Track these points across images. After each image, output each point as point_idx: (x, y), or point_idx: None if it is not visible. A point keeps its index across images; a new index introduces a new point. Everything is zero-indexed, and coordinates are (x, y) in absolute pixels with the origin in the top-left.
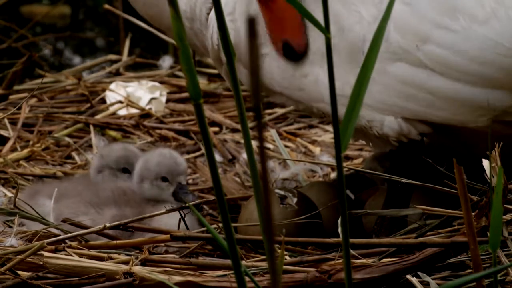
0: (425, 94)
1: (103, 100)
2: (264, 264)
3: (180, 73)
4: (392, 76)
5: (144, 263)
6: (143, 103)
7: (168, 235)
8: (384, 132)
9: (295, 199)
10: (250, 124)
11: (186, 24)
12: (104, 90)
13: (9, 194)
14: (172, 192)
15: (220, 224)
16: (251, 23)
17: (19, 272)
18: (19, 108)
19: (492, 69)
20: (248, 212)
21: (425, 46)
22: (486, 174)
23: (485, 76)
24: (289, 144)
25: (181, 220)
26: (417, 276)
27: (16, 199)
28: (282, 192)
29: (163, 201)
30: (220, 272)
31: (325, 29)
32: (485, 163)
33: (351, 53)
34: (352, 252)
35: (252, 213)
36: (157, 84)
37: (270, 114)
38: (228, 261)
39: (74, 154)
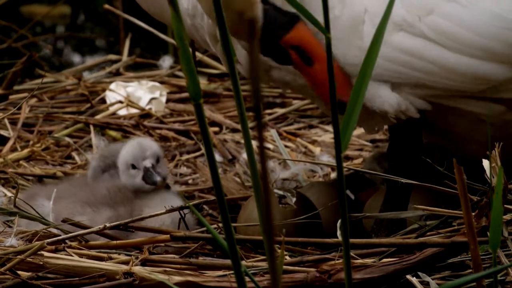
0: (426, 63)
1: (103, 100)
2: (264, 264)
3: (180, 73)
4: (393, 46)
5: (144, 263)
6: (143, 103)
7: (168, 235)
8: (384, 108)
9: (294, 199)
10: (250, 124)
11: (188, 21)
12: (104, 90)
13: (9, 194)
14: (142, 177)
15: (220, 224)
16: (251, 23)
17: (19, 272)
18: (19, 108)
19: (497, 43)
20: (247, 212)
21: (429, 17)
22: (486, 174)
23: (489, 49)
24: (289, 144)
25: (183, 221)
26: (417, 276)
27: (16, 199)
28: (280, 192)
29: (141, 189)
30: (220, 272)
31: (325, 29)
32: (485, 163)
33: (353, 24)
34: (352, 252)
35: (251, 213)
36: (157, 84)
37: (270, 114)
38: (228, 261)
39: (74, 154)
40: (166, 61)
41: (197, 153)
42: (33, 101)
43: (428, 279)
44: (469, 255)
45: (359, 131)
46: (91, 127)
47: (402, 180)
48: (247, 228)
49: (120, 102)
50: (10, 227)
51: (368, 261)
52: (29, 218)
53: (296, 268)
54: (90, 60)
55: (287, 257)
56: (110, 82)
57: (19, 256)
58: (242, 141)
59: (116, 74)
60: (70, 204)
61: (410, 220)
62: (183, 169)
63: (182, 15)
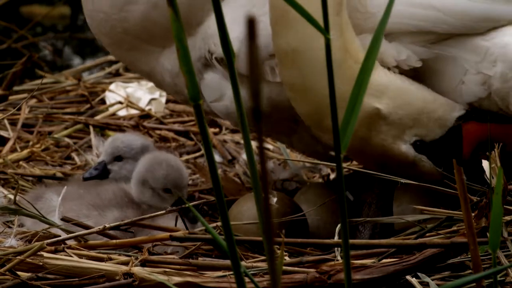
0: (434, 11)
1: (103, 101)
2: (263, 265)
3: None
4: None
5: (143, 263)
6: (142, 103)
7: (168, 234)
8: (387, 61)
9: (275, 199)
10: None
11: (167, 79)
12: (104, 90)
13: (9, 195)
14: (172, 203)
15: (219, 224)
16: (251, 23)
17: (19, 273)
18: (19, 109)
19: None
20: (233, 214)
21: None
22: (486, 175)
23: None
24: None
25: (182, 221)
26: (417, 277)
27: (19, 199)
28: None
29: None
30: (220, 273)
31: (325, 30)
32: (485, 163)
33: None
34: (351, 252)
35: (236, 215)
36: None
37: None
38: (227, 262)
39: (73, 154)
40: None
41: (197, 154)
42: (32, 101)
43: (427, 279)
44: (469, 256)
45: None
46: (91, 128)
47: (402, 181)
48: (237, 228)
49: (120, 102)
50: (10, 227)
51: (368, 261)
52: (29, 216)
53: (296, 268)
54: (90, 61)
55: (286, 257)
56: (110, 83)
57: (18, 257)
58: (242, 141)
59: (116, 74)
60: (75, 206)
61: (410, 221)
62: None
63: (163, 75)
